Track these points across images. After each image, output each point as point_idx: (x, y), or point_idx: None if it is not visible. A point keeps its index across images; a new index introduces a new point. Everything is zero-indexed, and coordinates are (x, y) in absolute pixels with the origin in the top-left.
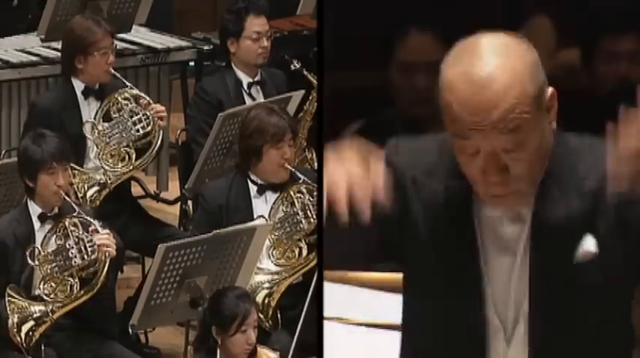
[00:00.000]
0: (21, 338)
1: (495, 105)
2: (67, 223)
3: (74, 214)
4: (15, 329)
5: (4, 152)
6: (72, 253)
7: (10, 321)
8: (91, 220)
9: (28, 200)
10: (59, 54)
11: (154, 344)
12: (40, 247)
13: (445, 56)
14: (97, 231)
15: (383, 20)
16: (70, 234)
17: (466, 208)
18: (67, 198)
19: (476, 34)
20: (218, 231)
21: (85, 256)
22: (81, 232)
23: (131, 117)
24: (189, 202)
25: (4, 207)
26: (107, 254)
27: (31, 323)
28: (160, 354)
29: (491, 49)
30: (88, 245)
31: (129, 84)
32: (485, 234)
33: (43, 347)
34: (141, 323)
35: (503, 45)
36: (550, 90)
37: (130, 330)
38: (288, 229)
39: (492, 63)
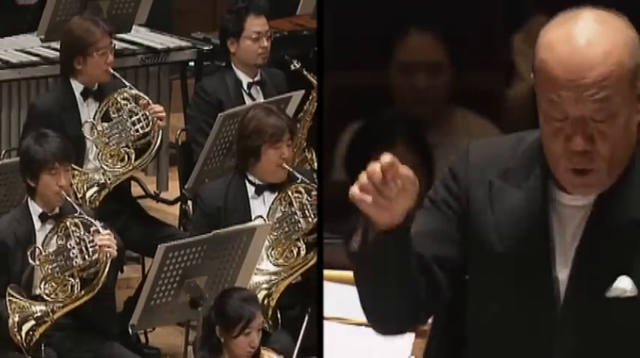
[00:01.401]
0: (21, 338)
1: (592, 67)
2: (68, 223)
3: (75, 214)
4: (15, 329)
5: (4, 152)
6: (73, 253)
7: (10, 320)
8: (93, 221)
9: (29, 200)
10: (59, 54)
11: (154, 344)
12: (40, 247)
13: (545, 25)
14: (99, 232)
15: (383, 20)
16: (71, 234)
17: (544, 213)
18: (68, 198)
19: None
20: (218, 231)
21: (86, 256)
22: (82, 232)
23: (130, 117)
24: (189, 202)
25: (4, 207)
26: (108, 254)
27: (32, 322)
28: (160, 354)
29: (593, 18)
30: (89, 245)
31: (128, 84)
32: (559, 237)
33: (43, 347)
34: (141, 323)
35: (606, 16)
36: None
37: (130, 330)
38: (286, 229)
39: (594, 29)
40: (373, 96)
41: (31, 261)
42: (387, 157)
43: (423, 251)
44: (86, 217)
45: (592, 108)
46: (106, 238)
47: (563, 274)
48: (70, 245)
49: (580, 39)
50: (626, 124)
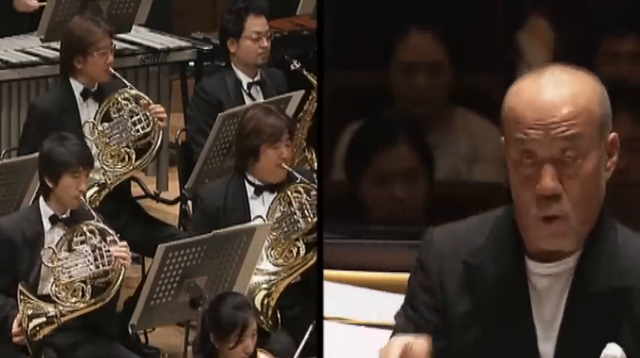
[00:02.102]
0: (27, 332)
1: (560, 106)
2: (84, 229)
3: (92, 221)
4: (25, 323)
5: (4, 152)
6: (88, 260)
7: (21, 313)
8: (110, 230)
9: (41, 200)
10: (59, 54)
11: (154, 344)
12: (55, 248)
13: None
14: (115, 242)
15: (383, 20)
16: (87, 240)
17: (522, 286)
18: (85, 204)
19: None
20: (218, 231)
21: (101, 266)
22: (98, 240)
23: (131, 117)
24: (189, 202)
25: (4, 207)
26: (123, 267)
27: (43, 319)
28: (160, 354)
29: (561, 69)
30: (105, 254)
31: (128, 84)
32: (538, 309)
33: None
34: (141, 323)
35: (574, 71)
36: (612, 135)
37: (130, 330)
38: (285, 229)
39: (562, 77)
40: (373, 96)
41: (44, 262)
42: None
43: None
44: (103, 226)
45: (560, 146)
46: (123, 250)
47: (545, 347)
48: (86, 251)
49: (548, 82)
50: (595, 172)
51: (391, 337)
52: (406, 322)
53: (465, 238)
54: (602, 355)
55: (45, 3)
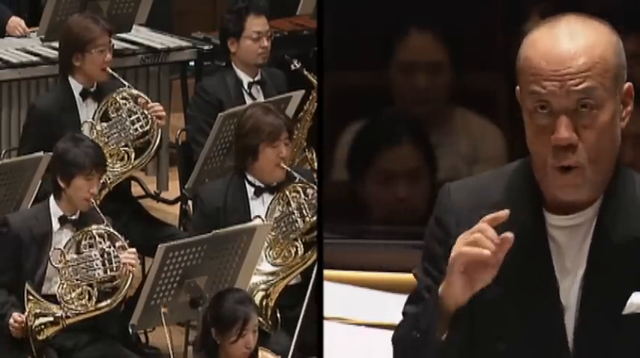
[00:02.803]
0: (31, 329)
1: (575, 57)
2: (94, 232)
3: (102, 226)
4: (31, 321)
5: (4, 152)
6: (96, 264)
7: (27, 312)
8: (119, 236)
9: (51, 200)
10: (58, 52)
11: (154, 344)
12: (63, 249)
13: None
14: (124, 248)
15: (383, 20)
16: (95, 244)
17: (542, 239)
18: (96, 207)
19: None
20: (217, 231)
21: (109, 271)
22: (107, 245)
23: (129, 116)
24: (189, 202)
25: (4, 207)
26: (131, 274)
27: (49, 319)
28: (160, 354)
29: (576, 18)
30: (114, 260)
31: (127, 83)
32: (559, 262)
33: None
34: (141, 323)
35: (589, 19)
36: (627, 85)
37: (130, 330)
38: (284, 229)
39: (578, 26)
40: (373, 96)
41: (52, 262)
42: (503, 213)
43: None
44: (112, 231)
45: (576, 97)
46: (132, 257)
47: (569, 300)
48: (95, 255)
49: (563, 33)
50: (610, 123)
51: (414, 291)
52: (424, 276)
53: (482, 192)
54: (628, 303)
55: (37, 28)
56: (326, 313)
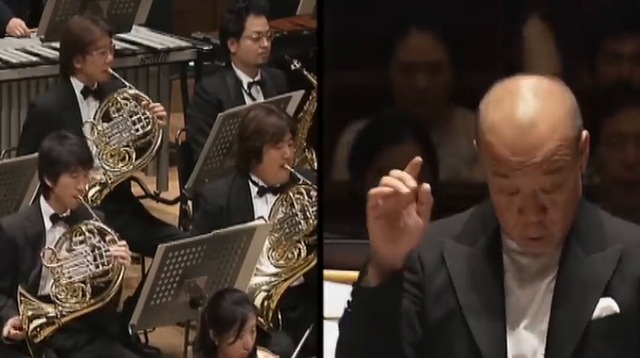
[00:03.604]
0: (27, 333)
1: (539, 147)
2: (83, 228)
3: (91, 221)
4: (25, 324)
5: (4, 152)
6: (87, 260)
7: (21, 315)
8: (109, 230)
9: (42, 199)
10: (59, 53)
11: (154, 344)
12: (54, 249)
13: (484, 97)
14: (115, 242)
15: (383, 20)
16: (86, 240)
17: (497, 265)
18: (85, 203)
19: (514, 77)
20: (218, 231)
21: (100, 265)
22: (97, 240)
23: (131, 116)
24: (189, 202)
25: (4, 207)
26: (123, 266)
27: (43, 320)
28: (160, 354)
29: (532, 93)
30: (105, 254)
31: (127, 84)
32: (512, 288)
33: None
34: (141, 323)
35: (544, 89)
36: (585, 133)
37: (130, 330)
38: (287, 230)
39: (535, 106)
40: (373, 96)
41: (44, 263)
42: (417, 159)
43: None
44: (102, 225)
45: (543, 180)
46: (122, 249)
47: (520, 324)
48: (86, 251)
49: (523, 120)
50: (575, 184)
51: None
52: None
53: (446, 225)
54: (598, 309)
55: (36, 29)
56: (326, 313)
